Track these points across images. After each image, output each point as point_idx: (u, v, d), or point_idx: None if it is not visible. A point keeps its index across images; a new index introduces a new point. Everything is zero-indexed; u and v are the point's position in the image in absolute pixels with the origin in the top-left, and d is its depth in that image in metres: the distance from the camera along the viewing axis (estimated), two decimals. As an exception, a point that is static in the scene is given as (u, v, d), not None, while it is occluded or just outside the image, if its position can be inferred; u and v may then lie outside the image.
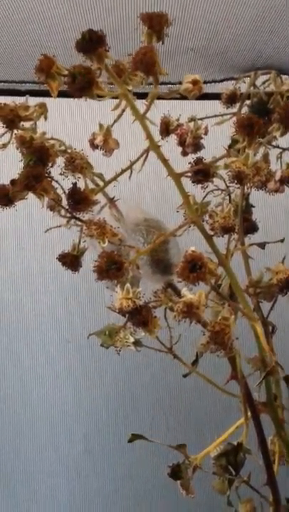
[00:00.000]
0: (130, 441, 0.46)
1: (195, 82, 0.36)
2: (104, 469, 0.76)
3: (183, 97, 0.47)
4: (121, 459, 0.76)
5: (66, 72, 0.38)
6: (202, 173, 0.41)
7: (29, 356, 0.75)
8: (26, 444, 0.76)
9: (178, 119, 0.48)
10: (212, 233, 0.40)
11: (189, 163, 0.43)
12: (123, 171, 0.41)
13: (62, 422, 0.76)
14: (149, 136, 0.39)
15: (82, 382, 0.76)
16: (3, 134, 0.42)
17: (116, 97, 0.39)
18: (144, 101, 0.40)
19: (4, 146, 0.44)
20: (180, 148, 0.49)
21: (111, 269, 0.35)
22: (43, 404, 0.76)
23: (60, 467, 0.76)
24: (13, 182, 0.44)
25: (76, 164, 0.39)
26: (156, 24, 0.36)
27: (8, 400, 0.75)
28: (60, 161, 0.42)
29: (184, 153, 0.51)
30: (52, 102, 0.43)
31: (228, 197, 0.44)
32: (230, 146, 0.55)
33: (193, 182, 0.41)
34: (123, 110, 0.40)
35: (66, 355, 0.75)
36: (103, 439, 0.76)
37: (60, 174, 0.40)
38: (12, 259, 0.75)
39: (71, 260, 0.46)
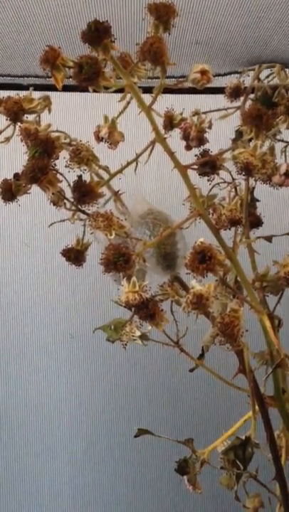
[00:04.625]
0: (136, 436, 0.46)
1: (203, 72, 0.35)
2: (106, 467, 0.76)
3: (187, 91, 0.46)
4: (124, 456, 0.76)
5: (71, 64, 0.37)
6: (209, 166, 0.41)
7: (32, 352, 0.75)
8: (28, 441, 0.76)
9: (182, 113, 0.48)
10: (218, 226, 0.40)
11: (196, 155, 0.42)
12: (128, 164, 0.40)
13: (65, 417, 0.76)
14: (155, 129, 0.39)
15: (85, 377, 0.75)
16: (7, 127, 0.42)
17: (121, 90, 0.39)
18: (148, 95, 0.40)
19: (7, 139, 0.43)
20: (179, 143, 0.49)
21: (119, 261, 0.35)
22: (45, 400, 0.75)
23: (62, 464, 0.76)
24: (16, 176, 0.44)
25: (82, 156, 0.39)
26: (163, 15, 0.36)
27: (11, 396, 0.75)
28: (64, 154, 0.42)
29: (188, 148, 0.51)
30: (54, 96, 0.43)
31: (234, 190, 0.44)
32: (234, 140, 0.55)
33: (200, 174, 0.41)
34: (128, 102, 0.40)
35: (70, 351, 0.75)
36: (106, 436, 0.76)
37: (66, 166, 0.39)
38: (15, 254, 0.75)
39: (75, 255, 0.45)
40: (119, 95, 0.39)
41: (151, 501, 0.76)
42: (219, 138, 0.49)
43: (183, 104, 0.48)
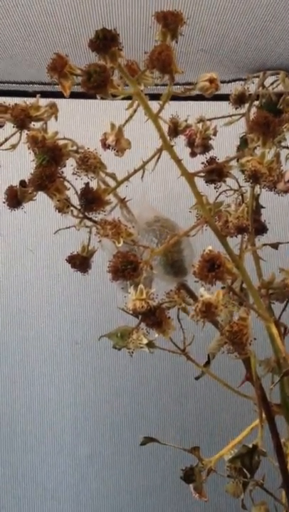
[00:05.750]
0: (142, 444, 0.46)
1: (212, 80, 0.36)
2: (110, 473, 0.76)
3: (191, 97, 0.46)
4: (128, 462, 0.75)
5: (79, 72, 0.37)
6: (216, 173, 0.41)
7: (37, 358, 0.75)
8: (32, 445, 0.75)
9: (186, 120, 0.48)
10: (224, 233, 0.40)
11: (202, 162, 0.42)
12: (136, 171, 0.40)
13: (69, 424, 0.76)
14: (162, 136, 0.39)
15: (89, 383, 0.75)
16: (14, 134, 0.42)
17: (128, 98, 0.39)
18: (153, 101, 0.40)
19: (13, 146, 0.43)
20: (183, 149, 0.49)
21: (127, 269, 0.35)
22: (50, 406, 0.75)
23: (65, 470, 0.76)
24: (22, 183, 0.44)
25: (90, 164, 0.39)
26: (171, 23, 0.36)
27: (15, 401, 0.75)
28: (71, 161, 0.42)
29: (193, 154, 0.51)
30: (59, 103, 0.43)
31: (240, 197, 0.44)
32: (239, 146, 0.55)
33: (206, 182, 0.41)
34: (135, 110, 0.40)
35: (74, 356, 0.75)
36: (110, 442, 0.76)
37: (74, 174, 0.39)
38: (19, 261, 0.75)
39: (80, 262, 0.45)
40: (125, 102, 0.39)
41: (155, 508, 0.75)
42: (222, 144, 0.49)
43: (187, 111, 0.48)
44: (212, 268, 0.33)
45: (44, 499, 0.75)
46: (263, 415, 0.42)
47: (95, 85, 0.34)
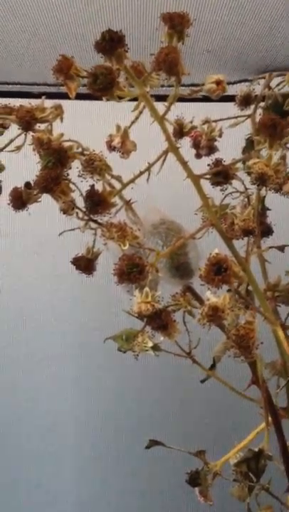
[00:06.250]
0: (148, 447, 0.45)
1: (219, 82, 0.35)
2: (113, 476, 0.76)
3: (196, 98, 0.46)
4: (132, 465, 0.75)
5: (85, 74, 0.37)
6: (222, 175, 0.40)
7: (40, 360, 0.75)
8: (35, 448, 0.75)
9: (191, 122, 0.48)
10: (230, 236, 0.39)
11: (208, 164, 0.42)
12: (141, 173, 0.40)
13: (73, 427, 0.75)
14: (168, 138, 0.39)
15: (93, 386, 0.75)
16: (18, 136, 0.42)
17: (134, 99, 0.38)
18: (158, 103, 0.40)
19: (18, 148, 0.43)
20: (188, 150, 0.49)
21: (132, 272, 0.35)
22: (53, 409, 0.75)
23: (68, 473, 0.75)
24: (27, 185, 0.44)
25: (95, 166, 0.38)
26: (177, 24, 0.36)
27: (19, 404, 0.75)
28: (76, 163, 0.42)
29: (198, 156, 0.50)
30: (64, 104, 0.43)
31: (246, 199, 0.43)
32: (244, 148, 0.55)
33: (212, 184, 0.41)
34: (140, 112, 0.40)
35: (78, 359, 0.75)
36: (114, 446, 0.76)
37: (79, 176, 0.39)
38: (24, 263, 0.75)
39: (85, 264, 0.45)
40: (130, 103, 0.39)
41: (159, 510, 0.75)
42: (227, 146, 0.49)
43: (192, 112, 0.48)
44: (219, 271, 0.33)
45: (46, 502, 0.75)
46: (269, 419, 0.42)
47: (102, 87, 0.34)
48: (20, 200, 0.43)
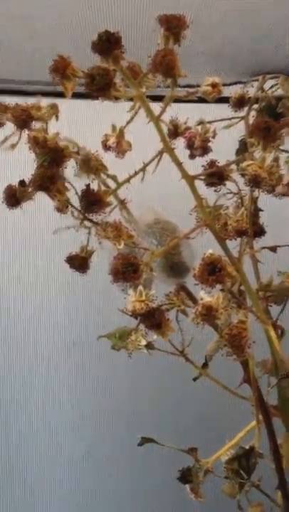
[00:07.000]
0: (140, 444, 0.46)
1: (214, 85, 0.36)
2: (106, 474, 0.76)
3: (190, 100, 0.47)
4: (125, 463, 0.75)
5: (81, 74, 0.37)
6: (216, 176, 0.41)
7: (33, 358, 0.75)
8: (28, 447, 0.75)
9: (186, 122, 0.48)
10: (223, 236, 0.40)
11: (202, 165, 0.43)
12: (136, 173, 0.40)
13: (66, 424, 0.76)
14: (163, 139, 0.39)
15: (87, 384, 0.75)
16: (13, 134, 0.42)
17: (130, 99, 0.39)
18: (154, 103, 0.40)
19: (13, 146, 0.43)
20: (181, 151, 0.49)
21: (127, 271, 0.35)
22: (46, 407, 0.75)
23: (62, 471, 0.76)
24: (22, 183, 0.44)
25: (91, 166, 0.39)
26: (174, 26, 0.36)
27: (11, 402, 0.75)
28: (72, 162, 0.42)
29: (192, 157, 0.51)
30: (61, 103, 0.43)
31: (240, 200, 0.44)
32: (238, 149, 0.55)
33: (206, 185, 0.41)
34: (136, 112, 0.40)
35: (71, 357, 0.75)
36: (107, 444, 0.76)
37: (75, 175, 0.39)
38: (17, 261, 0.75)
39: (80, 262, 0.45)
40: (126, 103, 0.39)
41: (152, 509, 0.76)
42: (220, 147, 0.49)
43: (186, 113, 0.49)
44: (213, 271, 0.33)
45: (39, 500, 0.75)
46: (260, 417, 0.42)
47: (99, 88, 0.35)
48: (14, 197, 0.43)
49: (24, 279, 0.75)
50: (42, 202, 0.42)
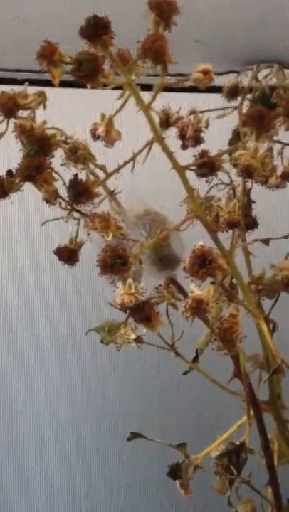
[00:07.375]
0: (129, 439, 0.45)
1: (206, 72, 0.35)
2: (94, 470, 0.75)
3: (182, 89, 0.46)
4: (114, 459, 0.75)
5: (68, 60, 0.36)
6: (207, 167, 0.40)
7: (22, 352, 0.74)
8: (16, 442, 0.75)
9: (178, 112, 0.47)
10: (215, 228, 0.39)
11: (194, 155, 0.42)
12: (126, 163, 0.39)
13: (54, 419, 0.75)
14: (153, 128, 0.38)
15: (76, 379, 0.75)
16: (1, 122, 0.41)
17: (119, 88, 0.38)
18: (144, 92, 0.39)
19: (0, 135, 0.42)
20: (173, 141, 0.48)
21: (116, 263, 0.34)
22: (34, 401, 0.74)
23: (49, 466, 0.75)
24: (9, 173, 0.43)
25: (79, 155, 0.38)
26: (165, 12, 0.35)
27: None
28: (59, 152, 0.41)
29: (184, 147, 0.50)
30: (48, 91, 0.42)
31: (232, 191, 0.43)
32: (231, 140, 0.54)
33: (198, 175, 0.41)
34: (125, 100, 0.39)
35: (60, 351, 0.74)
36: (96, 439, 0.75)
37: (62, 165, 0.39)
38: (5, 253, 0.74)
39: (68, 254, 0.44)
40: (115, 91, 0.38)
41: (140, 505, 0.75)
42: (213, 137, 0.48)
43: (178, 102, 0.48)
44: (203, 264, 0.33)
45: (28, 496, 0.75)
46: (251, 412, 0.42)
47: (86, 74, 0.33)
48: (1, 189, 0.42)
49: (14, 270, 0.74)
50: (32, 193, 0.41)
